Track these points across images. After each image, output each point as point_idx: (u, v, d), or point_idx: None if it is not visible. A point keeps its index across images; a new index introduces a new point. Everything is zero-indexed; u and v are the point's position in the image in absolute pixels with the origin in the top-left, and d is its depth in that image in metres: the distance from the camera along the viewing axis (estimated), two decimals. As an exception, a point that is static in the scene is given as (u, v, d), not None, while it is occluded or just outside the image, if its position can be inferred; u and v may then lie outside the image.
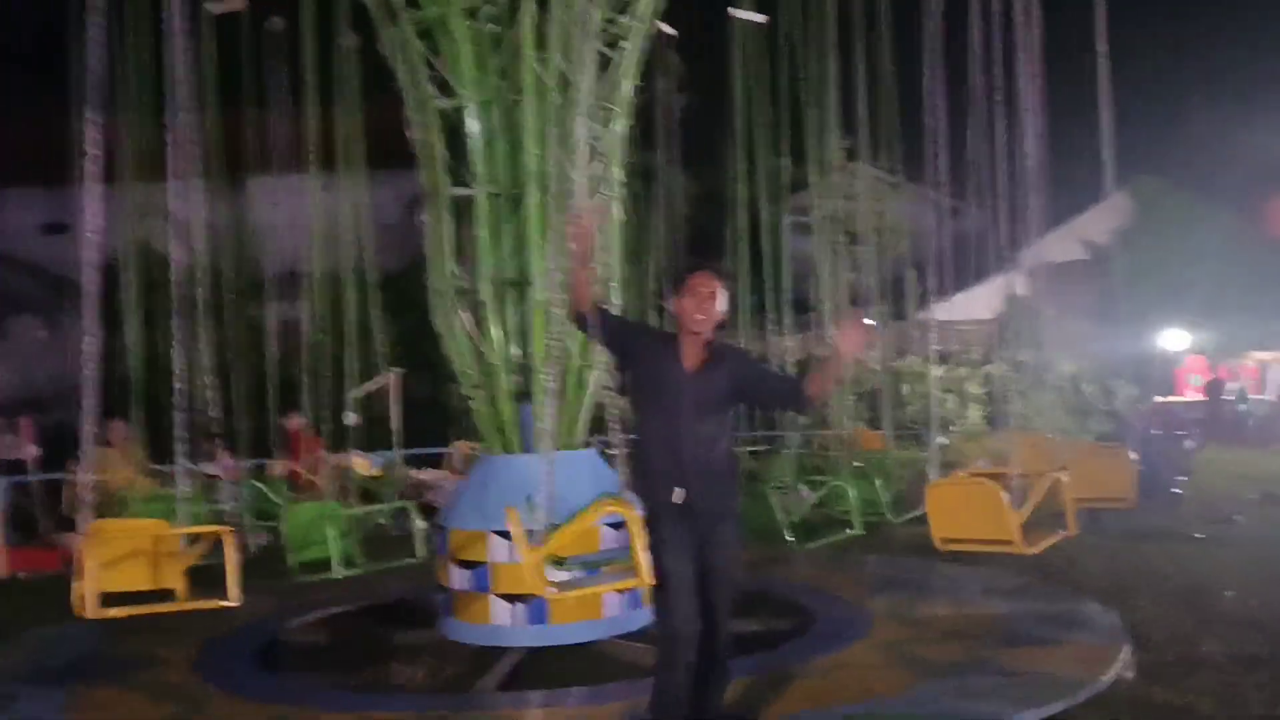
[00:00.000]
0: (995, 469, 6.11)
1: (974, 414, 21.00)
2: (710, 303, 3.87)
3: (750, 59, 13.06)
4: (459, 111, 6.19)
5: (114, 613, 5.32)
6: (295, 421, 12.92)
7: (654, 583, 3.87)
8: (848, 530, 7.23)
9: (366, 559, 8.36)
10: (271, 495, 10.20)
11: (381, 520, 9.73)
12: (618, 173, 6.35)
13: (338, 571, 7.38)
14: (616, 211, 6.38)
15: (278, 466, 12.26)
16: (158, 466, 9.96)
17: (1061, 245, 24.89)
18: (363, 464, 14.33)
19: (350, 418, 12.62)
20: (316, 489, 11.53)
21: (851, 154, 17.04)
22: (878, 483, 7.77)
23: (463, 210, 6.35)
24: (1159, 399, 18.54)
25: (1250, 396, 18.14)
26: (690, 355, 3.91)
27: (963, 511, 5.38)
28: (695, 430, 3.85)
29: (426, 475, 14.27)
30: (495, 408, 6.32)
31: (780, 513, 6.95)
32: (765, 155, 14.38)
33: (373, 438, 14.63)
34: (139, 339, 12.50)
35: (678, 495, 3.84)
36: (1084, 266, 24.32)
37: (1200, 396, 18.62)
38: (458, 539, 6.15)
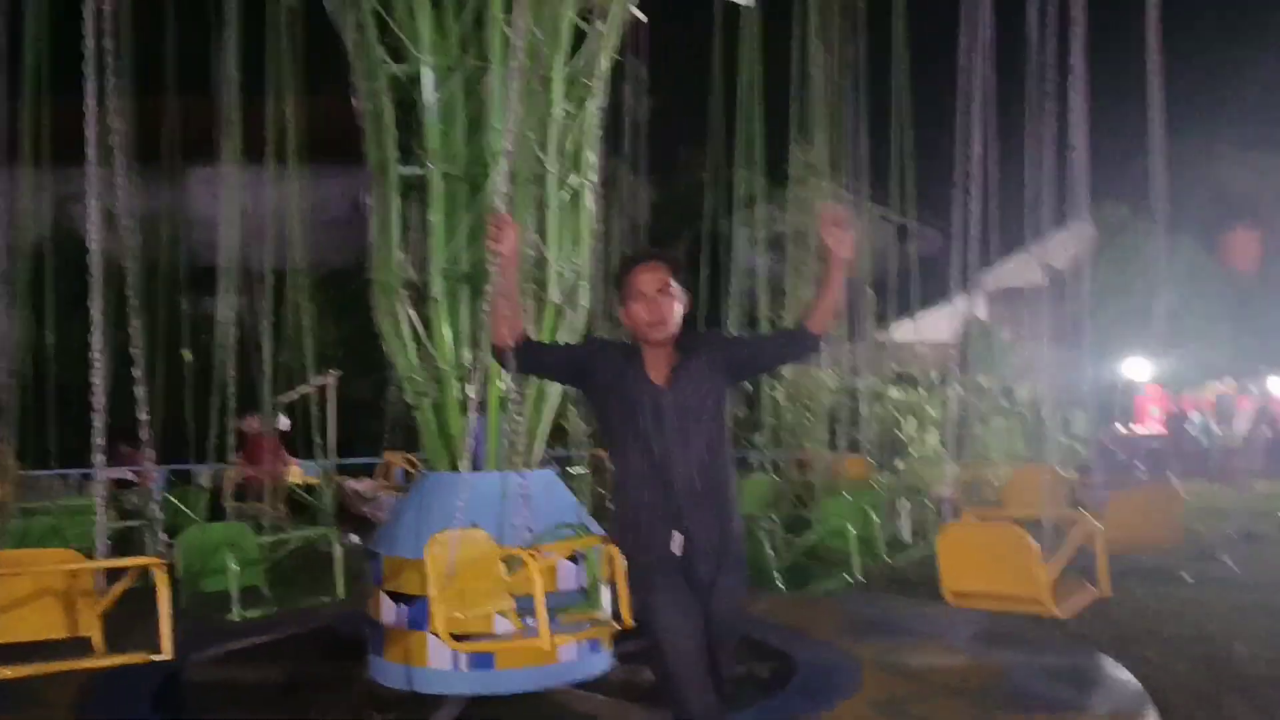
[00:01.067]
0: (1019, 511, 5.46)
1: (932, 438, 20.57)
2: (664, 301, 3.13)
3: (709, 67, 12.53)
4: (414, 79, 5.43)
5: (4, 673, 4.04)
6: (253, 423, 11.72)
7: (658, 664, 3.07)
8: (845, 576, 6.54)
9: (281, 589, 6.83)
10: (186, 509, 9.05)
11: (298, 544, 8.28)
12: (591, 156, 5.64)
13: (236, 613, 6.04)
14: (590, 201, 5.66)
15: (230, 474, 11.09)
16: (43, 472, 8.99)
17: (1022, 270, 24.59)
18: (297, 472, 13.46)
19: (281, 422, 11.73)
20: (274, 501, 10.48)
21: (813, 169, 16.57)
22: (873, 518, 7.09)
23: (414, 193, 5.59)
24: (1120, 428, 18.19)
25: (1212, 429, 17.85)
26: (657, 366, 3.16)
27: (982, 561, 4.55)
28: (685, 454, 3.09)
29: (362, 486, 13.42)
30: (442, 418, 5.56)
31: (769, 554, 6.21)
32: (721, 165, 13.82)
33: (308, 445, 13.80)
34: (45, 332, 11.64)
35: (677, 544, 3.06)
36: (1044, 292, 24.00)
37: (1160, 429, 18.30)
38: (392, 567, 5.38)
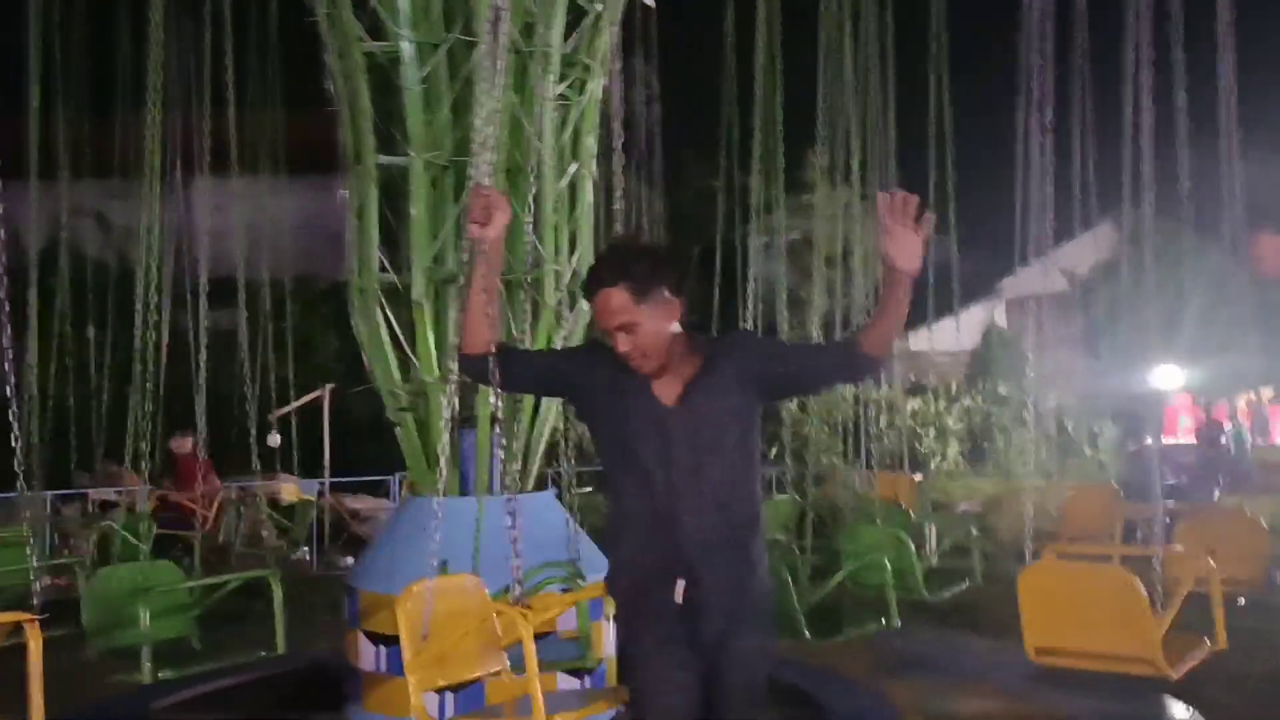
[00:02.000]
0: (1122, 548, 4.82)
1: (953, 451, 19.92)
2: (631, 337, 2.46)
3: (722, 71, 12.00)
4: (392, 58, 4.85)
5: None
6: (185, 443, 10.46)
7: None
8: (882, 621, 5.79)
9: (216, 641, 5.76)
10: (131, 538, 7.96)
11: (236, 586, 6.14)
12: (591, 144, 5.05)
13: (146, 673, 5.00)
14: (588, 193, 5.07)
15: (151, 498, 9.97)
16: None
17: (1042, 276, 23.95)
18: (292, 490, 12.90)
19: (272, 438, 11.16)
20: (210, 527, 9.64)
21: (828, 174, 16.06)
22: (909, 546, 6.37)
23: (395, 185, 5.01)
24: (1148, 440, 17.48)
25: (1246, 440, 17.15)
26: (667, 379, 2.52)
27: (1078, 612, 3.77)
28: (696, 487, 2.44)
29: (361, 504, 12.86)
30: (426, 437, 4.97)
31: (794, 597, 5.44)
32: (736, 172, 13.28)
33: (303, 461, 13.24)
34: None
35: (679, 592, 2.46)
36: (1066, 299, 23.41)
37: (1193, 440, 17.60)
38: (370, 604, 4.78)
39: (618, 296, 2.41)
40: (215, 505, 10.00)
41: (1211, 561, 4.09)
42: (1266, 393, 19.32)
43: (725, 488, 2.46)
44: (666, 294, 2.45)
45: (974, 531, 8.26)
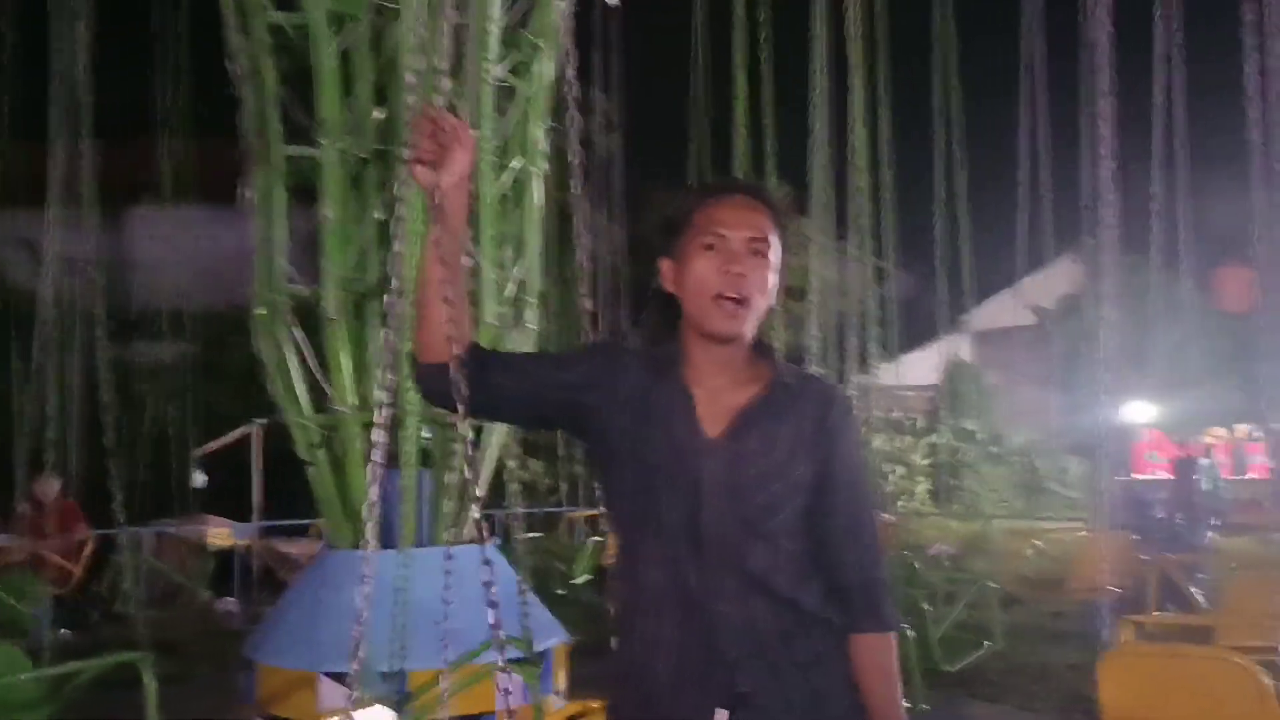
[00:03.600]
0: (1206, 617, 4.05)
1: (920, 489, 19.34)
2: (755, 265, 1.68)
3: (680, 99, 11.47)
4: (303, 33, 4.12)
5: None
6: (47, 488, 9.06)
7: None
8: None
9: None
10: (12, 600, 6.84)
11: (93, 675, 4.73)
12: (539, 136, 4.34)
13: None
14: (536, 192, 4.34)
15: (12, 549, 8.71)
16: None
17: (1008, 310, 23.64)
18: (221, 533, 12.00)
19: (197, 478, 10.27)
20: (70, 578, 8.51)
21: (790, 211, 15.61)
22: (924, 608, 5.49)
23: (305, 182, 4.27)
24: (1120, 477, 17.00)
25: (1219, 477, 16.68)
26: (715, 398, 1.70)
27: (1179, 710, 2.86)
28: (742, 568, 1.63)
29: (296, 549, 11.95)
30: (343, 477, 4.19)
31: None
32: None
33: (235, 504, 12.35)
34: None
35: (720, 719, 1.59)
36: (1032, 333, 23.06)
37: (1168, 475, 17.12)
38: (271, 681, 3.98)
39: (762, 214, 1.71)
40: (82, 558, 8.82)
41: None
42: (1241, 429, 18.95)
43: (779, 565, 1.63)
44: (782, 250, 1.73)
45: (992, 586, 7.52)
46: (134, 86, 11.62)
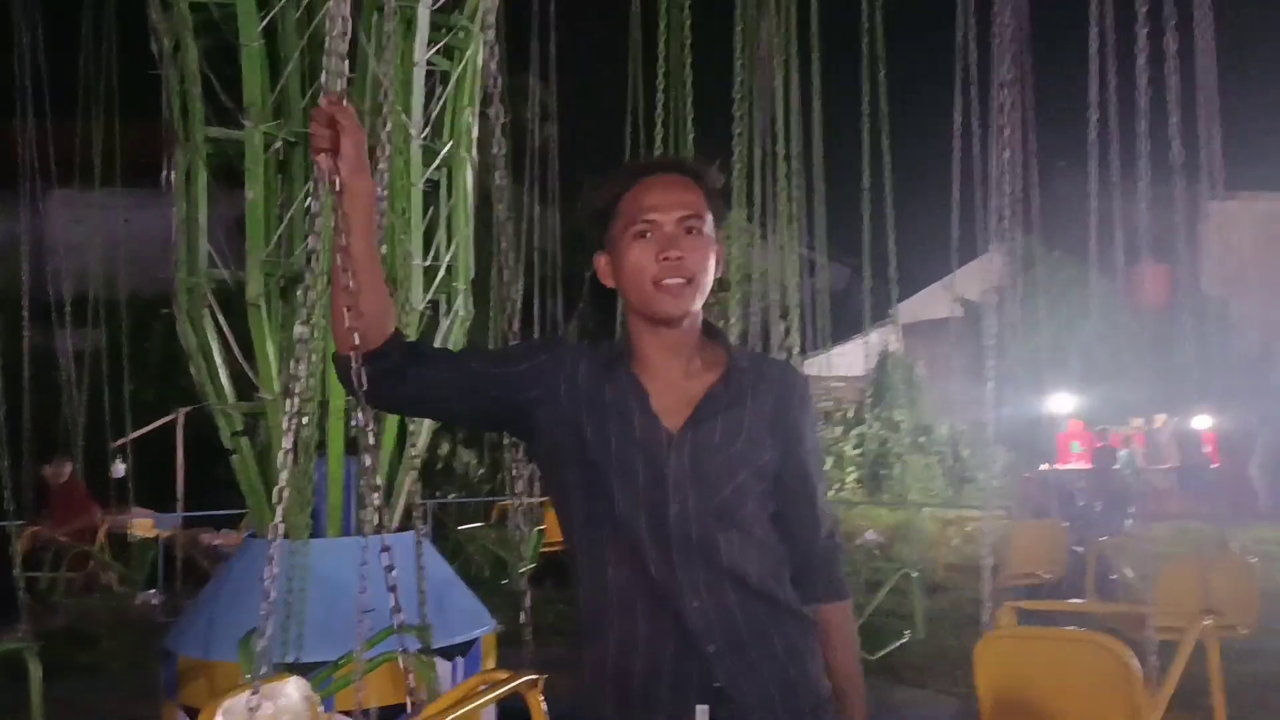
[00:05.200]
0: (1102, 605, 4.17)
1: (850, 478, 19.57)
2: (689, 242, 1.61)
3: (618, 87, 11.43)
4: (228, 11, 4.04)
5: None
6: (60, 471, 9.51)
7: None
8: None
9: None
10: None
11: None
12: (469, 121, 4.30)
13: None
14: (467, 179, 4.31)
15: (28, 534, 8.81)
16: None
17: (936, 302, 24.01)
18: (145, 525, 11.73)
19: (117, 468, 10.03)
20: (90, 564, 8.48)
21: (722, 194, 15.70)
22: None
23: (231, 164, 4.19)
24: (1044, 466, 17.40)
25: (1138, 466, 17.15)
26: (671, 389, 1.64)
27: (1052, 692, 2.90)
28: (713, 562, 1.59)
29: (223, 540, 11.74)
30: (267, 465, 4.13)
31: None
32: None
33: (156, 493, 12.09)
34: None
35: (702, 716, 1.56)
36: (959, 325, 23.46)
37: (1086, 465, 17.55)
38: (191, 671, 3.91)
39: (689, 190, 1.63)
40: (99, 539, 8.86)
41: (1209, 620, 3.45)
42: (1159, 419, 19.48)
43: (750, 556, 1.60)
44: (717, 226, 1.67)
45: (913, 574, 7.66)
46: (52, 65, 11.27)
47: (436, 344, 4.27)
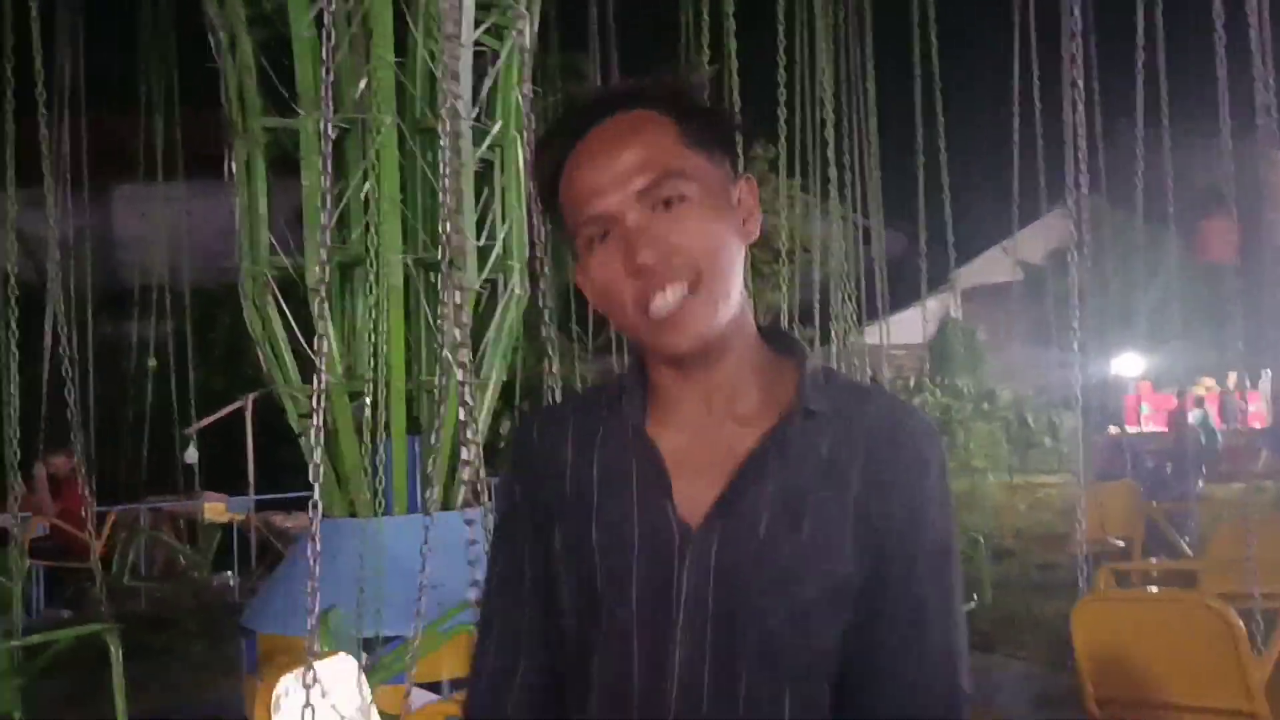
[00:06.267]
0: (1197, 562, 4.07)
1: (912, 446, 19.47)
2: (674, 217, 0.97)
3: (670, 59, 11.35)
4: (278, 4, 4.10)
5: None
6: (61, 462, 9.01)
7: None
8: None
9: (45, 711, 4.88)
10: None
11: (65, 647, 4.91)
12: (519, 100, 4.33)
13: None
14: (519, 157, 4.35)
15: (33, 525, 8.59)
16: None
17: (996, 266, 23.66)
18: (217, 508, 12.02)
19: (190, 454, 10.29)
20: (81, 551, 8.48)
21: (773, 166, 15.55)
22: None
23: (289, 153, 4.27)
24: (1114, 429, 17.11)
25: (1213, 427, 16.82)
26: (698, 447, 1.02)
27: (1154, 655, 2.86)
28: (728, 690, 0.97)
29: (293, 523, 12.00)
30: (334, 447, 4.22)
31: None
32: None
33: (227, 478, 12.38)
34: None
35: None
36: (1020, 288, 23.12)
37: (1160, 427, 17.25)
38: (271, 648, 4.03)
39: (652, 127, 1.00)
40: (105, 532, 8.86)
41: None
42: (1232, 379, 19.06)
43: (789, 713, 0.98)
44: (733, 173, 1.04)
45: (979, 540, 7.60)
46: (117, 61, 11.50)
47: (492, 324, 4.34)
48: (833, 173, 9.32)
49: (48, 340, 8.50)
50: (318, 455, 2.26)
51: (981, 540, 7.74)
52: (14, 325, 7.98)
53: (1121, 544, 7.25)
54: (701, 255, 0.97)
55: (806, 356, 1.05)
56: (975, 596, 7.20)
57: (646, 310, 0.97)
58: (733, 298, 0.99)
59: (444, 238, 3.01)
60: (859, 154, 11.74)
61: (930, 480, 1.02)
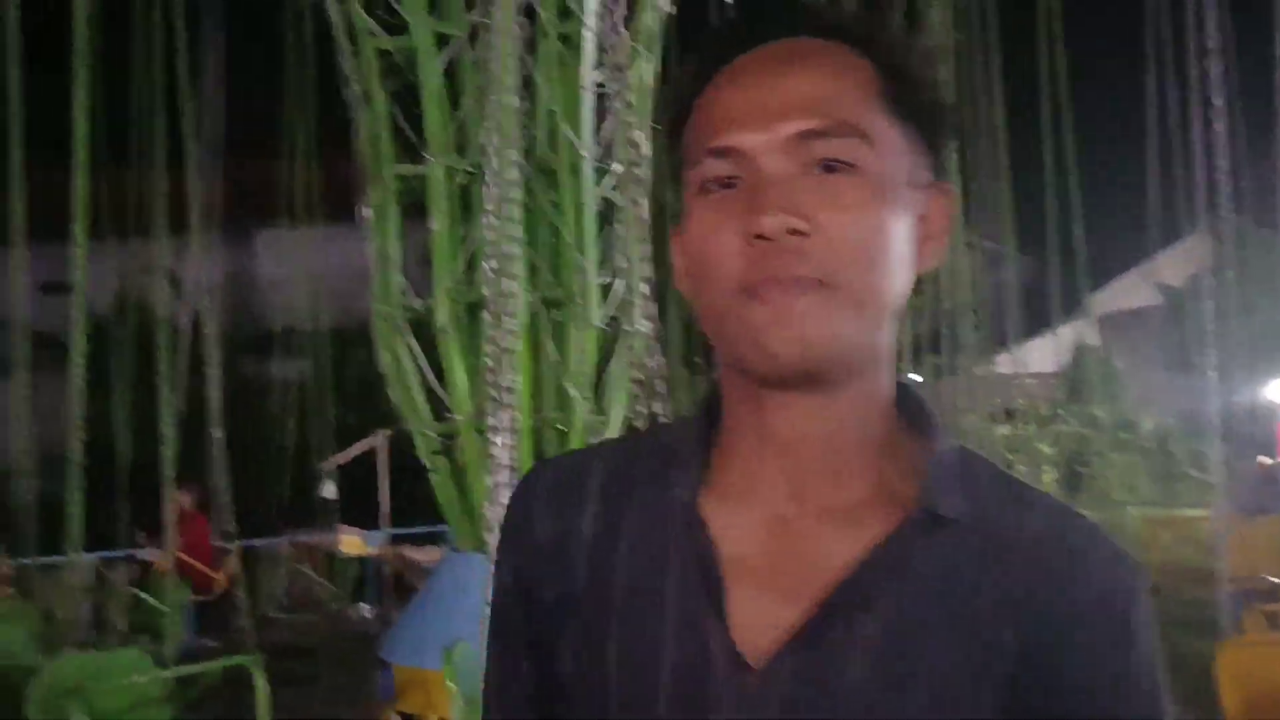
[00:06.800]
0: None
1: (1047, 478, 18.81)
2: (835, 188, 0.67)
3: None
4: (409, 55, 4.27)
5: None
6: (186, 498, 9.06)
7: None
8: None
9: None
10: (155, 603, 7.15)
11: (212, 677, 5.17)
12: (640, 139, 4.39)
13: None
14: (642, 199, 4.40)
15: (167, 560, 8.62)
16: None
17: (1134, 291, 22.89)
18: (354, 542, 12.40)
19: (328, 489, 10.64)
20: (211, 585, 8.70)
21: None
22: None
23: (419, 198, 4.42)
24: (1264, 460, 16.25)
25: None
26: (773, 543, 0.71)
27: None
28: None
29: (426, 556, 12.28)
30: (463, 482, 4.32)
31: None
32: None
33: (364, 511, 12.77)
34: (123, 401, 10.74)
35: None
36: (1160, 313, 22.28)
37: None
38: (406, 679, 4.13)
39: (839, 63, 0.71)
40: (223, 565, 9.13)
41: None
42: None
43: None
44: (928, 174, 0.73)
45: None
46: (259, 113, 12.09)
47: (615, 360, 4.39)
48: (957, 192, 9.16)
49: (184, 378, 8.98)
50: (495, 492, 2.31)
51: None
52: (166, 366, 8.47)
53: (1277, 582, 6.86)
54: (850, 248, 0.67)
55: (939, 431, 0.73)
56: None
57: (754, 293, 0.66)
58: (874, 322, 0.68)
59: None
60: (986, 175, 11.52)
61: (1132, 642, 0.68)
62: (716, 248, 0.68)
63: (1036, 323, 19.59)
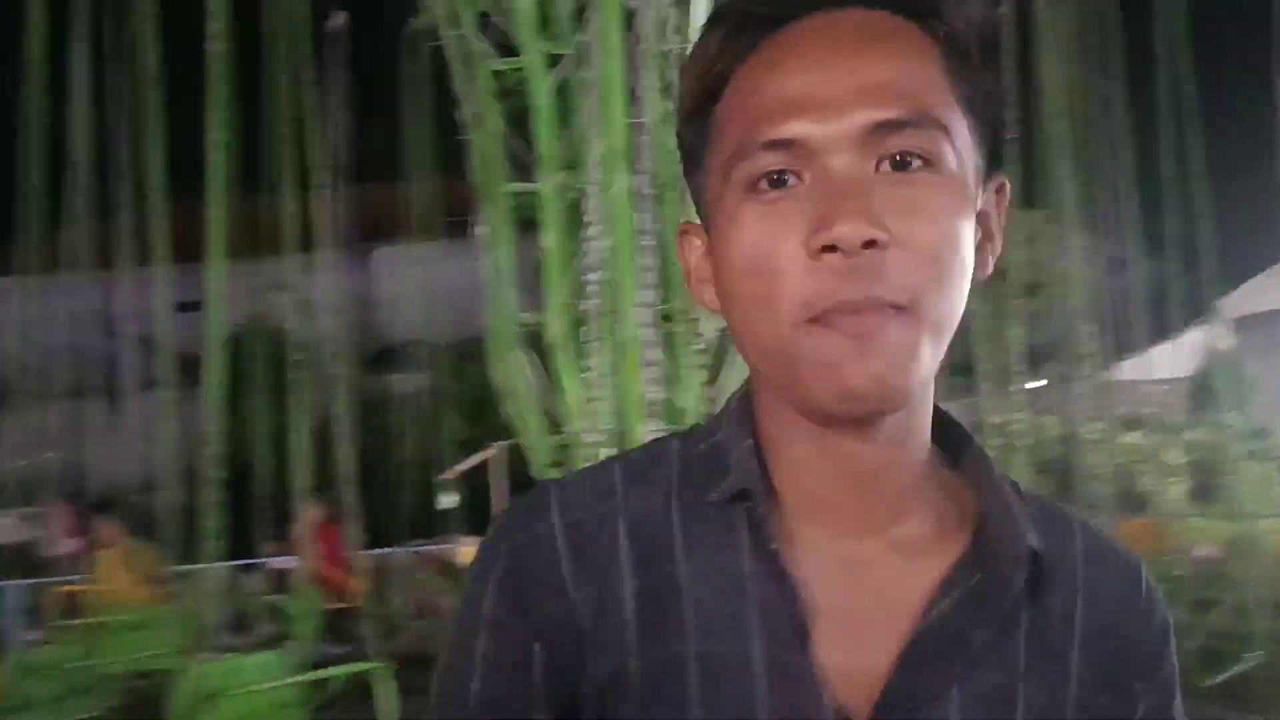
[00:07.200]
0: None
1: (1174, 489, 18.12)
2: (912, 194, 0.57)
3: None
4: (521, 77, 4.38)
5: None
6: (315, 511, 9.26)
7: None
8: None
9: None
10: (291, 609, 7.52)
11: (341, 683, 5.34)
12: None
13: None
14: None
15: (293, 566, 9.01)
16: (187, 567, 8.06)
17: (1267, 292, 21.95)
18: (472, 552, 12.66)
19: (447, 500, 10.90)
20: (344, 593, 8.93)
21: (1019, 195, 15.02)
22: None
23: (532, 215, 4.53)
24: None
25: None
26: (847, 585, 0.62)
27: None
28: None
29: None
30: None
31: None
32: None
33: (482, 522, 13.03)
34: (251, 416, 11.22)
35: None
36: (1296, 316, 21.31)
37: None
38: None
39: (911, 43, 0.59)
40: (354, 576, 9.43)
41: None
42: None
43: None
44: (985, 167, 0.62)
45: (1257, 590, 7.05)
46: (375, 137, 12.49)
47: (725, 370, 4.41)
48: (1070, 194, 8.90)
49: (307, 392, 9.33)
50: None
51: (1260, 591, 7.15)
52: (295, 381, 8.82)
53: None
54: (930, 263, 0.57)
55: (979, 454, 0.67)
56: (1245, 655, 6.65)
57: (824, 320, 0.56)
58: (946, 345, 0.60)
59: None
60: (1108, 176, 11.17)
61: (1172, 667, 0.68)
62: (775, 263, 0.57)
63: (1162, 328, 18.94)
